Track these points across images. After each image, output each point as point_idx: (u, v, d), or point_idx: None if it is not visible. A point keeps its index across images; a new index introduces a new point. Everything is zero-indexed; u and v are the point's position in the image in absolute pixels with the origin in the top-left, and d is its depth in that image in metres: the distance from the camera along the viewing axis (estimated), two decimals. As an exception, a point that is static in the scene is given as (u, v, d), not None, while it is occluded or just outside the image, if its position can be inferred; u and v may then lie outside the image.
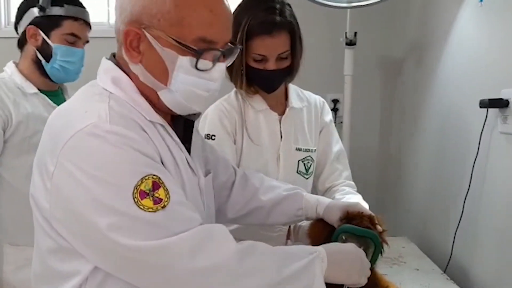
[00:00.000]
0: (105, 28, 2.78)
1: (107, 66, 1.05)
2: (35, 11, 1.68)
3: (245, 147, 1.64)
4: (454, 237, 1.86)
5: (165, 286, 0.93)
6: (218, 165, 1.36)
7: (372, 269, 1.35)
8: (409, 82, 2.55)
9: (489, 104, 1.62)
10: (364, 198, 2.71)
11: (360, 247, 1.16)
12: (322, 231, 1.28)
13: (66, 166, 0.90)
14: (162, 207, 0.90)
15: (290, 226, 1.62)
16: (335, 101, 2.71)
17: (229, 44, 1.04)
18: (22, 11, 1.72)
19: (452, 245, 1.88)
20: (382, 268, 1.87)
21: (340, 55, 2.47)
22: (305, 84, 2.45)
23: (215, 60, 1.01)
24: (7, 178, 1.67)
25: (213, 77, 1.02)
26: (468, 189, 1.77)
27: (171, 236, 0.90)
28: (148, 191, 0.90)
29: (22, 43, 1.75)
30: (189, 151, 1.11)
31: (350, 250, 1.11)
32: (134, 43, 0.99)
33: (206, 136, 1.62)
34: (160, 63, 0.98)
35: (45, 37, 1.69)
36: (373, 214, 1.31)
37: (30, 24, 1.69)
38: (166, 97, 1.02)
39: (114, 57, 1.06)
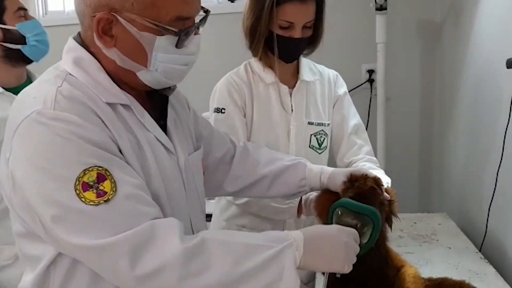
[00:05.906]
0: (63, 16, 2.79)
1: (70, 45, 1.02)
2: None
3: (255, 120, 1.61)
4: (488, 213, 1.72)
5: (115, 282, 0.92)
6: (212, 141, 1.32)
7: (384, 246, 1.26)
8: (447, 47, 2.36)
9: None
10: (406, 175, 2.60)
11: (356, 225, 1.06)
12: (327, 202, 1.18)
13: (17, 153, 0.89)
14: (105, 201, 0.86)
15: (301, 199, 1.54)
16: (371, 72, 2.56)
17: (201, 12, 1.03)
18: None
19: (487, 222, 1.73)
20: (409, 246, 1.77)
21: (372, 22, 2.34)
22: (338, 55, 2.38)
23: (191, 34, 0.99)
24: None
25: (191, 51, 1.01)
26: (501, 160, 1.61)
27: (112, 234, 0.86)
28: (92, 183, 0.86)
29: None
30: (165, 129, 1.07)
31: (331, 234, 1.00)
32: (106, 29, 0.95)
33: (215, 110, 1.60)
34: (137, 45, 0.96)
35: (1, 26, 1.62)
36: (378, 176, 1.21)
37: None
38: (145, 77, 1.00)
39: (79, 36, 1.03)
